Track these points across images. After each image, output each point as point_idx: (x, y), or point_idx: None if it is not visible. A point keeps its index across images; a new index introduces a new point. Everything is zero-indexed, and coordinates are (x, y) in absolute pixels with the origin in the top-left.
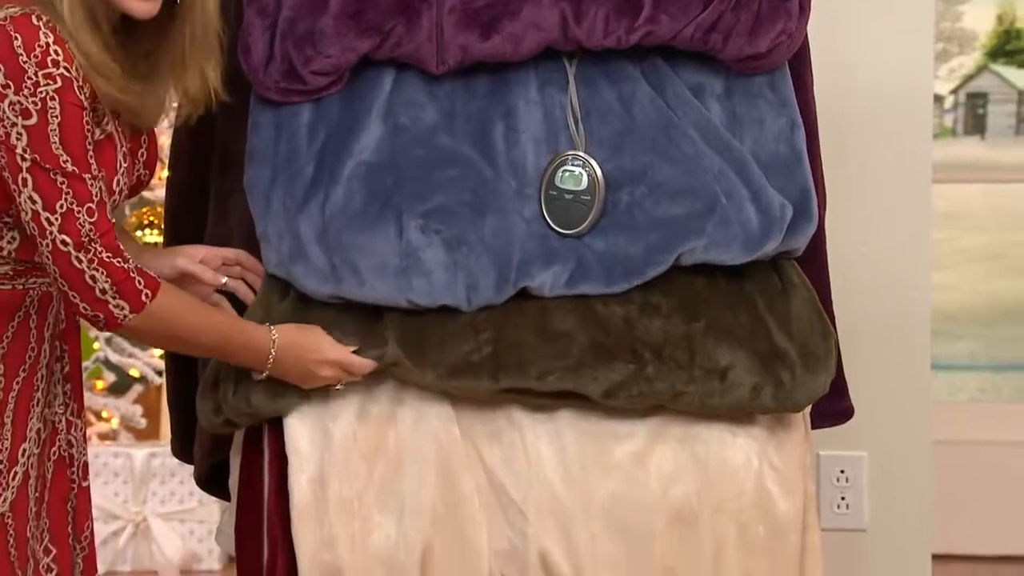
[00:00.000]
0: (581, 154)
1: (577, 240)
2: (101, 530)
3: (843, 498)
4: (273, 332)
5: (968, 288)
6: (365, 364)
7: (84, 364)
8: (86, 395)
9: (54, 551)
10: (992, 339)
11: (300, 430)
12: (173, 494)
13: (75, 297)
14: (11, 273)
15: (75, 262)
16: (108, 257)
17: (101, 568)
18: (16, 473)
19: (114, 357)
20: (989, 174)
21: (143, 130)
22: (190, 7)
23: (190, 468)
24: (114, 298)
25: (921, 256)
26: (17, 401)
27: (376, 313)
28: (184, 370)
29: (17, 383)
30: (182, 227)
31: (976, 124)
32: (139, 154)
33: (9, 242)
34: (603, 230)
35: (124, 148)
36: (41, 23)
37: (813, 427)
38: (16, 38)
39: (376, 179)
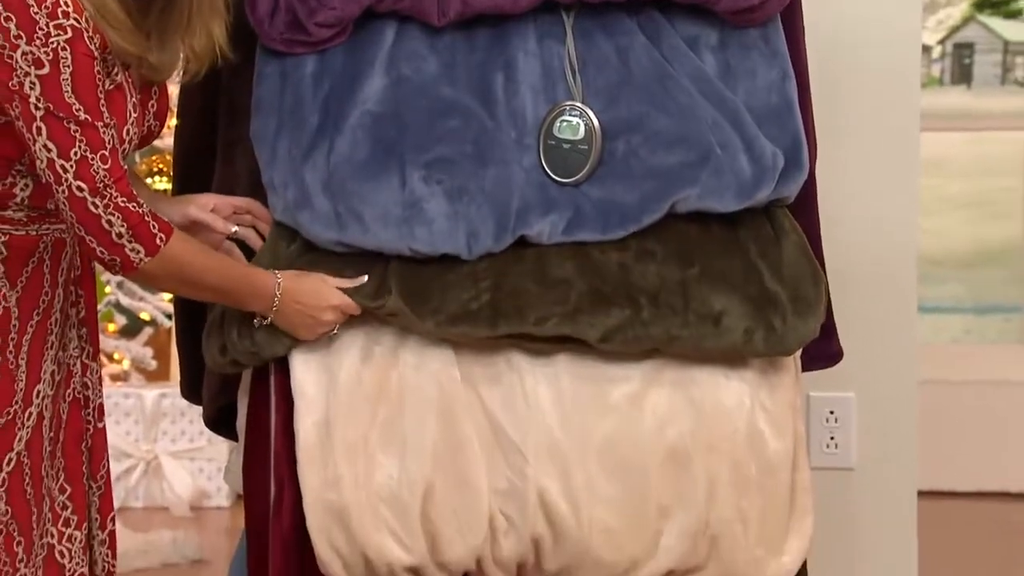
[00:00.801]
0: (579, 104)
1: (574, 188)
2: (114, 468)
3: (832, 438)
4: (278, 276)
5: (953, 233)
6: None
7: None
8: (100, 338)
9: (69, 489)
10: (976, 282)
11: (306, 373)
12: (183, 433)
13: (92, 241)
14: (25, 219)
15: (91, 207)
16: (123, 202)
17: (114, 503)
18: (31, 414)
19: (125, 300)
20: (975, 122)
21: (154, 82)
22: None
23: (199, 408)
24: (130, 242)
25: (908, 202)
26: (31, 344)
27: (379, 262)
28: (192, 314)
29: (31, 326)
30: (190, 175)
31: (962, 74)
32: (149, 105)
33: (23, 189)
34: (600, 179)
35: (134, 99)
36: None
37: (803, 369)
38: None
39: (380, 129)
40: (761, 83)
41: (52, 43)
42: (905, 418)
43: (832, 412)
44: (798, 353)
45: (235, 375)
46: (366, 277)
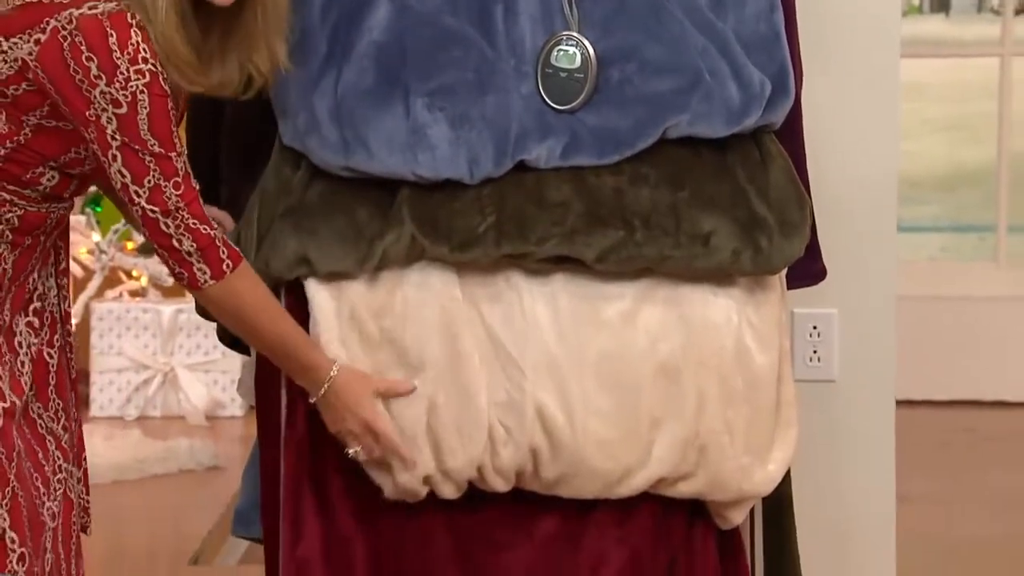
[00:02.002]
0: (575, 34)
1: (571, 115)
2: (133, 380)
3: (815, 351)
4: (335, 367)
5: (932, 155)
6: (393, 440)
7: (115, 227)
8: (118, 256)
9: (71, 427)
10: (953, 203)
11: (317, 293)
12: (198, 347)
13: (165, 255)
14: (40, 199)
15: (163, 227)
16: (194, 224)
17: (134, 413)
18: (22, 361)
19: None
20: (953, 49)
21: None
22: None
23: (213, 324)
24: (198, 262)
25: (889, 127)
26: (13, 298)
27: (389, 195)
28: None
29: (16, 285)
30: (202, 107)
31: (941, 2)
32: (179, 104)
33: (49, 180)
34: (595, 106)
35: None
36: (134, 22)
37: (788, 287)
38: (112, 35)
39: (385, 58)
40: (750, 13)
41: (131, 87)
42: (884, 332)
43: (815, 327)
44: (783, 272)
45: None
46: (414, 386)
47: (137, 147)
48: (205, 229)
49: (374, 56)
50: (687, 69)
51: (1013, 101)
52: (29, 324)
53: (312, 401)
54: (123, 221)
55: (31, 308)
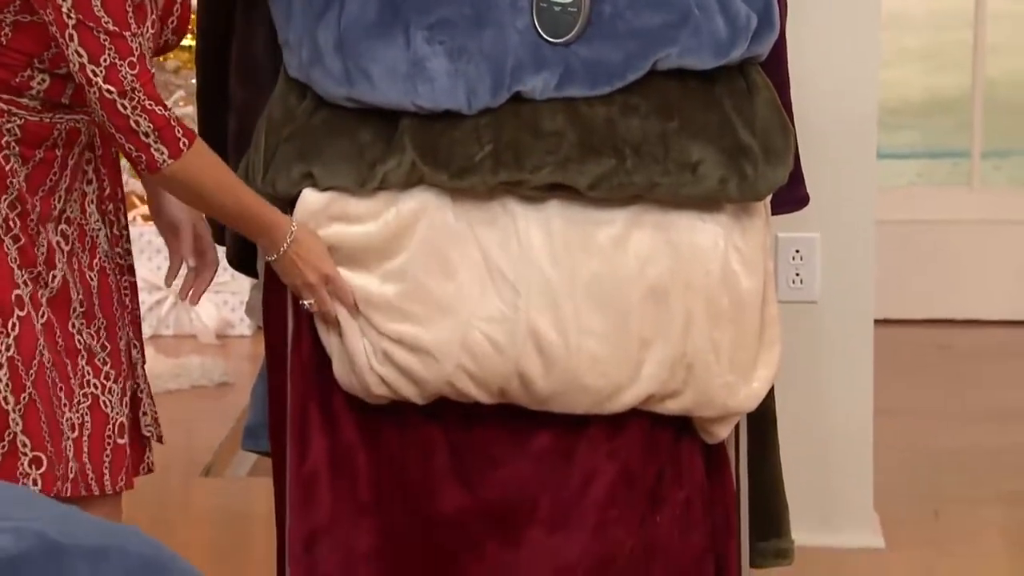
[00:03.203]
0: None
1: (564, 48)
2: (146, 300)
3: (798, 274)
4: (293, 224)
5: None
6: (347, 290)
7: None
8: (131, 181)
9: (109, 347)
10: (929, 130)
11: (313, 194)
12: None
13: (121, 139)
14: (39, 107)
15: (120, 108)
16: (150, 104)
17: (148, 332)
18: (54, 276)
19: None
20: None
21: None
22: None
23: (223, 248)
24: (155, 142)
25: (869, 55)
26: (39, 214)
27: (391, 124)
28: None
29: (37, 199)
30: (211, 39)
31: None
32: (169, 21)
33: (40, 83)
34: (588, 39)
35: (154, 15)
36: None
37: (773, 213)
38: None
39: None
40: None
41: None
42: (864, 255)
43: (798, 251)
44: (768, 198)
45: None
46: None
47: (91, 24)
48: (160, 110)
49: None
50: (676, 4)
51: (987, 29)
52: (58, 243)
53: (268, 260)
54: None
55: (59, 228)
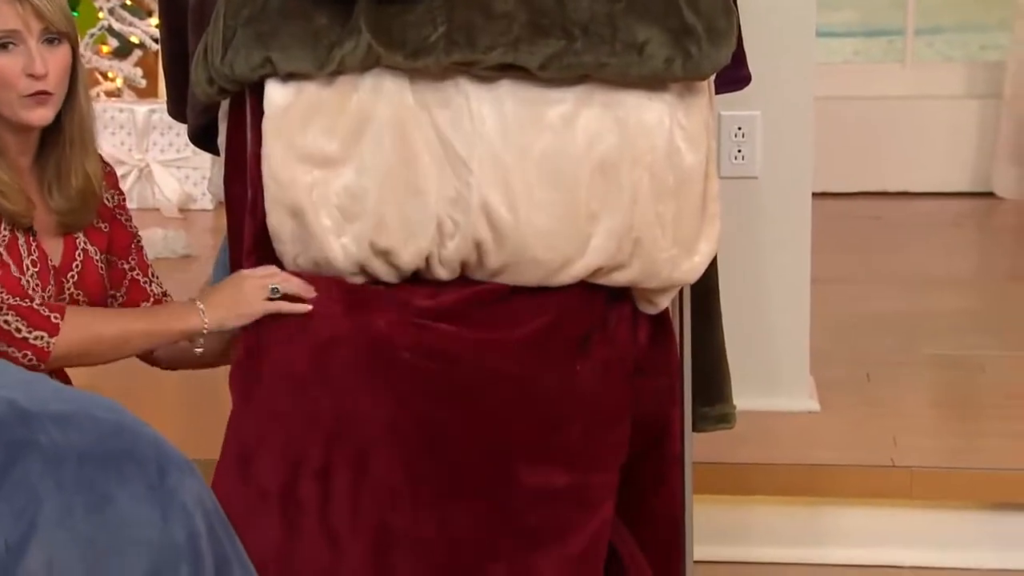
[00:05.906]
0: None
1: None
2: None
3: (739, 151)
4: (198, 302)
5: None
6: (292, 281)
7: (91, 31)
8: (94, 59)
9: None
10: (866, 7)
11: (277, 91)
12: (171, 144)
13: (2, 347)
14: None
15: None
16: (14, 300)
17: None
18: None
19: (116, 25)
20: None
21: (79, 249)
22: (69, 109)
23: (185, 124)
24: (30, 332)
25: None
26: None
27: (345, 9)
28: (176, 37)
29: None
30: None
31: None
32: (68, 276)
33: None
34: None
35: (31, 257)
36: None
37: (716, 92)
38: None
39: None
40: None
41: None
42: (803, 131)
43: (740, 128)
44: (712, 78)
45: None
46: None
47: None
48: (23, 301)
49: None
50: None
51: None
52: None
53: (206, 332)
54: (98, 25)
55: None
